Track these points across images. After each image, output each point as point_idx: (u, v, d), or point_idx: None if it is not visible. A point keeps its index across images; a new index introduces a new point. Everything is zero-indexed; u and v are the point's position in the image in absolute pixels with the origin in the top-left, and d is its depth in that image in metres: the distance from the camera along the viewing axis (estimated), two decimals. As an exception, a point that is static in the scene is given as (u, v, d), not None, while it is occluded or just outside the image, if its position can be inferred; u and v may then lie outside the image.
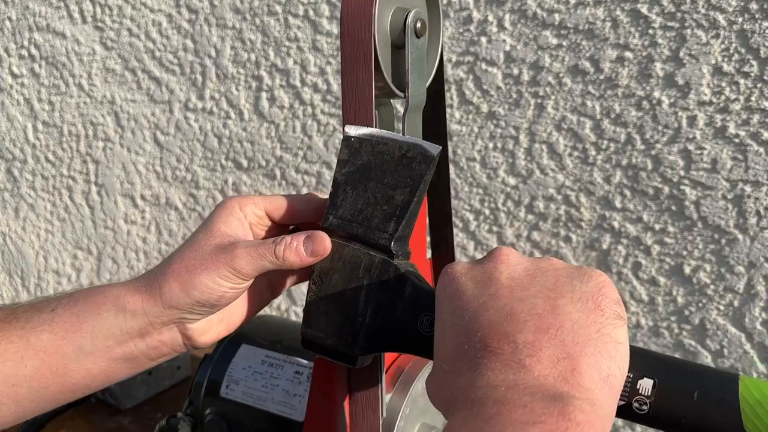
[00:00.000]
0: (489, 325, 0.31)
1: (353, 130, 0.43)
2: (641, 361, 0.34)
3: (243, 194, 0.45)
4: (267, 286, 0.47)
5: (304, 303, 0.43)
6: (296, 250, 0.41)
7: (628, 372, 0.33)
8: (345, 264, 0.41)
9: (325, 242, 0.42)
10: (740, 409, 0.32)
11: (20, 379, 0.41)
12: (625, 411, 0.34)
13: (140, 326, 0.42)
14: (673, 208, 0.80)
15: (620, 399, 0.33)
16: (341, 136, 0.43)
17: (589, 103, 0.81)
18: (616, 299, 0.32)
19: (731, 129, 0.75)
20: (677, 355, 0.83)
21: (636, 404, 0.33)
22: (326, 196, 0.44)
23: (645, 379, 0.33)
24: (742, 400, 0.32)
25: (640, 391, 0.33)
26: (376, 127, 0.43)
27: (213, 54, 1.05)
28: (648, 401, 0.33)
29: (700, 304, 0.81)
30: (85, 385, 0.43)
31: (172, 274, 0.42)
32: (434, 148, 0.41)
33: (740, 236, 0.77)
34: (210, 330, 0.45)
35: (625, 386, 0.33)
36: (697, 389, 0.33)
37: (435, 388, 0.34)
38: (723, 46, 0.73)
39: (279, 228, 0.47)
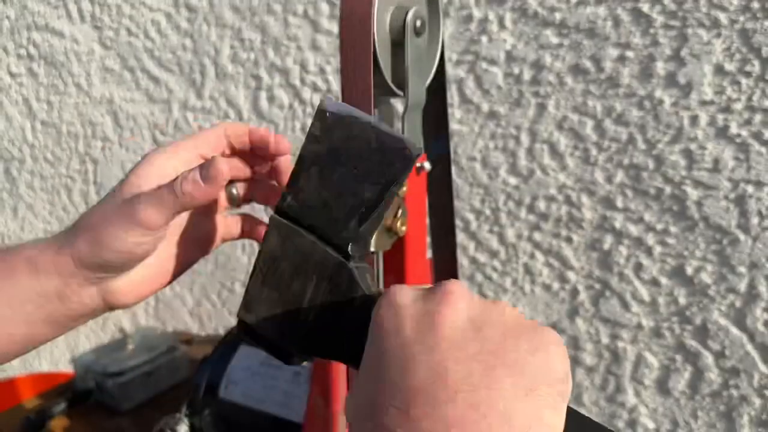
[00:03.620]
0: (416, 388, 0.28)
1: (331, 105, 0.38)
2: None
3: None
4: (193, 241, 0.45)
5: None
6: (192, 179, 0.38)
7: None
8: (296, 253, 0.38)
9: (220, 164, 0.39)
10: None
11: None
12: None
13: (56, 288, 0.40)
14: (675, 208, 0.79)
15: None
16: None
17: (590, 102, 0.81)
18: (561, 377, 0.29)
19: (733, 129, 0.74)
20: (678, 357, 0.83)
21: None
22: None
23: None
24: None
25: None
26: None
27: (212, 53, 1.05)
28: None
29: (702, 305, 0.81)
30: (8, 351, 0.41)
31: (82, 231, 0.39)
32: (415, 149, 0.37)
33: (742, 236, 0.77)
34: (131, 290, 0.42)
35: None
36: None
37: (350, 417, 0.31)
38: (725, 46, 0.73)
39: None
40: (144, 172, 0.40)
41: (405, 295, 0.32)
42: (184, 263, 0.45)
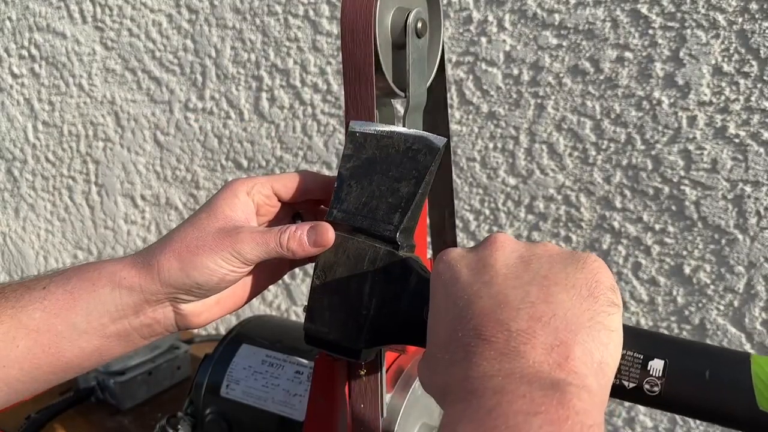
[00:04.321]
0: (482, 313, 0.31)
1: (358, 126, 0.43)
2: (651, 342, 0.34)
3: (249, 176, 0.44)
4: (266, 271, 0.46)
5: (303, 303, 0.43)
6: (300, 240, 0.41)
7: (639, 353, 0.33)
8: (349, 257, 0.41)
9: (328, 233, 0.41)
10: (753, 386, 0.31)
11: (11, 360, 0.40)
12: (635, 394, 0.33)
13: (135, 303, 0.41)
14: (673, 208, 0.80)
15: (631, 381, 0.33)
16: (341, 137, 0.44)
17: (589, 103, 0.81)
18: (609, 286, 0.32)
19: (731, 129, 0.75)
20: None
21: (647, 386, 0.33)
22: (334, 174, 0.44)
23: (656, 360, 0.33)
24: (754, 377, 0.31)
25: (651, 373, 0.33)
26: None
27: (213, 54, 1.05)
28: (659, 382, 0.33)
29: (700, 304, 0.81)
30: (77, 365, 0.42)
31: (172, 253, 0.41)
32: (439, 140, 0.41)
33: (740, 236, 0.77)
34: (204, 312, 0.44)
35: (635, 368, 0.33)
36: (708, 369, 0.32)
37: (427, 374, 0.34)
38: (723, 47, 0.73)
39: (286, 207, 0.47)
40: (231, 203, 0.43)
41: (456, 252, 0.36)
42: (256, 289, 0.47)
